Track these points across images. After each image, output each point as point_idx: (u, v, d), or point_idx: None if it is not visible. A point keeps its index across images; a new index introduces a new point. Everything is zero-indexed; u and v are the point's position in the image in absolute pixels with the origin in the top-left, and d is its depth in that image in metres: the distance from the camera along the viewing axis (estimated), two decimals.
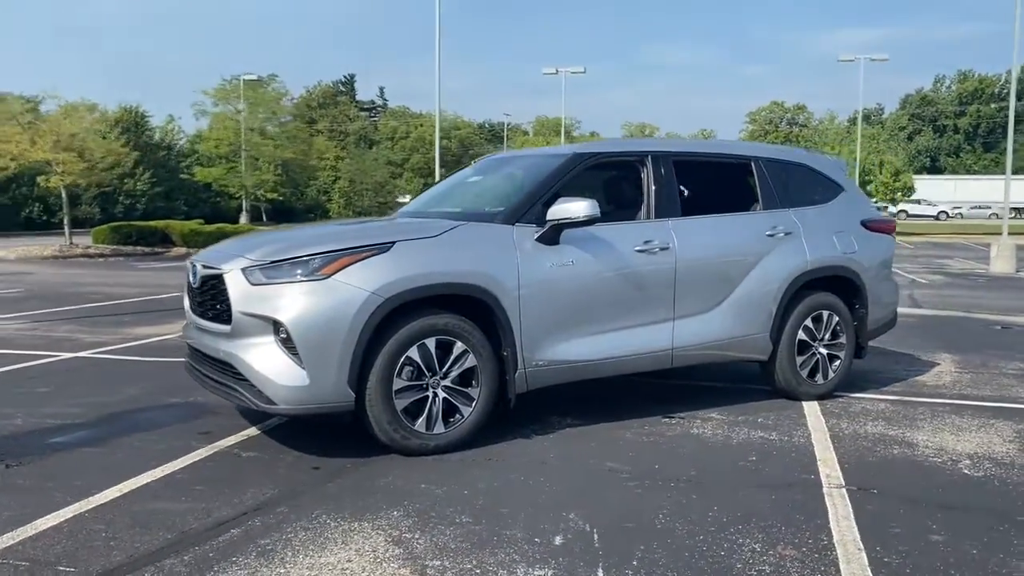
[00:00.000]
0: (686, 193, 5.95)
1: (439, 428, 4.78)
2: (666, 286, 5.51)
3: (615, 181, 6.43)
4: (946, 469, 4.68)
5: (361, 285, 4.52)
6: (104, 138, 32.15)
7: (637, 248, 5.41)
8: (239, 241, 5.36)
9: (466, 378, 4.86)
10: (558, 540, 3.59)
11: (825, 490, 4.29)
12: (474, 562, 3.36)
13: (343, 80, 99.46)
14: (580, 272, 5.18)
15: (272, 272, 4.56)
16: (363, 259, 4.60)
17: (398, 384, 4.64)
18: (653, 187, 5.67)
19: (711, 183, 6.30)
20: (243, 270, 4.62)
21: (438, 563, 3.35)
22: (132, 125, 45.26)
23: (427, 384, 4.75)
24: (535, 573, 3.27)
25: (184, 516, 3.83)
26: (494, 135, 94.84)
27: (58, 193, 27.58)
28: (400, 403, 4.66)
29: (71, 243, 25.82)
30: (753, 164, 6.21)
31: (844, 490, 4.29)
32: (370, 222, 6.02)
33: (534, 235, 5.07)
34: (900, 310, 7.56)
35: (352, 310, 4.47)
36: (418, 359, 4.68)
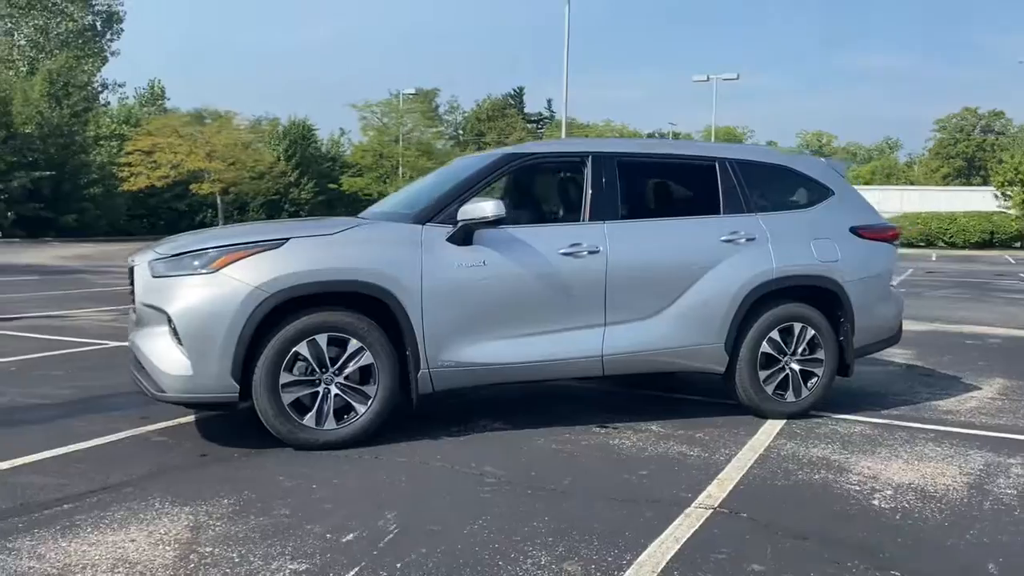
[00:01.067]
0: (636, 195, 5.71)
1: (330, 424, 4.83)
2: (595, 290, 5.31)
3: (553, 183, 6.26)
4: (853, 499, 4.24)
5: (245, 280, 4.65)
6: (274, 150, 34.44)
7: (562, 251, 5.24)
8: (178, 236, 5.64)
9: (363, 376, 4.89)
10: (349, 537, 3.56)
11: (687, 510, 4.00)
12: (243, 552, 3.39)
13: (512, 93, 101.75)
14: (493, 273, 5.09)
15: (171, 265, 4.78)
16: (253, 255, 4.73)
17: (285, 378, 4.73)
18: (590, 189, 5.48)
19: (666, 186, 6.03)
20: (149, 263, 4.87)
21: (209, 550, 3.41)
22: (299, 138, 48.13)
23: (319, 380, 4.81)
24: (290, 567, 3.27)
25: (39, 489, 4.09)
26: None
27: (229, 200, 29.84)
28: (288, 397, 4.75)
29: None
30: (718, 166, 5.86)
31: (709, 511, 3.98)
32: (305, 220, 6.16)
33: (446, 235, 5.04)
34: (987, 330, 6.89)
35: (234, 304, 4.61)
36: (308, 355, 4.76)
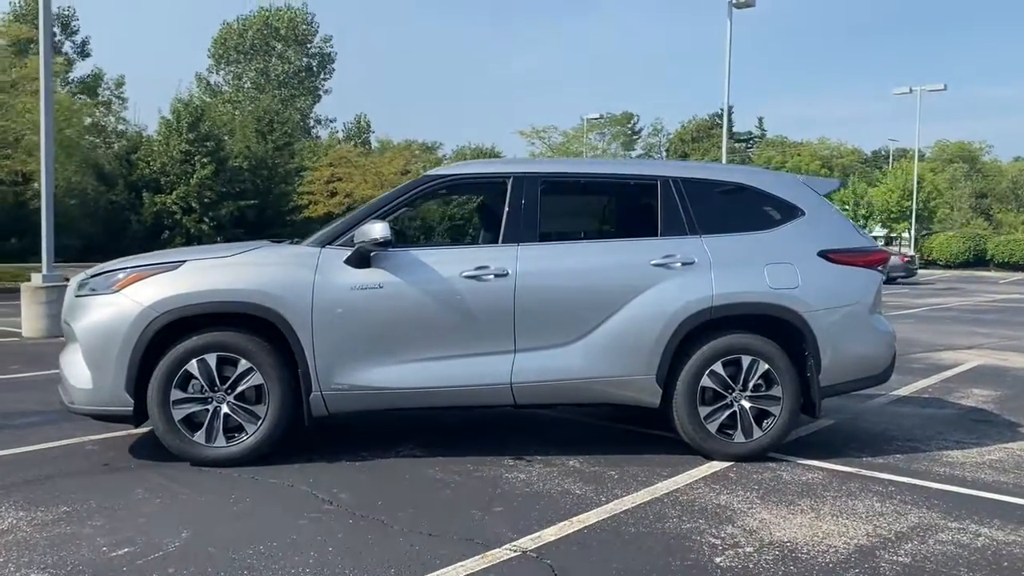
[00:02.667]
0: (561, 218, 5.45)
1: (220, 442, 4.96)
2: (502, 315, 5.09)
3: (480, 205, 6.04)
4: (698, 553, 3.79)
5: (139, 300, 4.89)
6: None
7: (466, 273, 5.08)
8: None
9: (255, 396, 4.99)
10: (118, 552, 3.64)
11: (492, 551, 3.73)
12: (9, 558, 3.56)
13: (719, 113, 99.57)
14: (389, 296, 5.03)
15: (89, 285, 5.12)
16: (151, 276, 4.98)
17: (176, 395, 4.92)
18: (507, 210, 5.28)
19: (597, 207, 5.67)
20: (77, 283, 5.24)
21: None
22: None
23: (210, 398, 4.96)
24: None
25: None
26: (881, 162, 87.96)
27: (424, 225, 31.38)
28: (179, 413, 4.93)
29: None
30: (660, 185, 5.44)
31: (514, 554, 3.71)
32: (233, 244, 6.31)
33: (343, 257, 5.05)
34: None
35: (127, 322, 4.87)
36: (198, 373, 4.92)
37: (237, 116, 45.11)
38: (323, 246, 5.13)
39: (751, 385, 5.25)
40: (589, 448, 5.50)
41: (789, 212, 5.52)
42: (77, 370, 4.98)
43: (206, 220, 36.63)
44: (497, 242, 5.28)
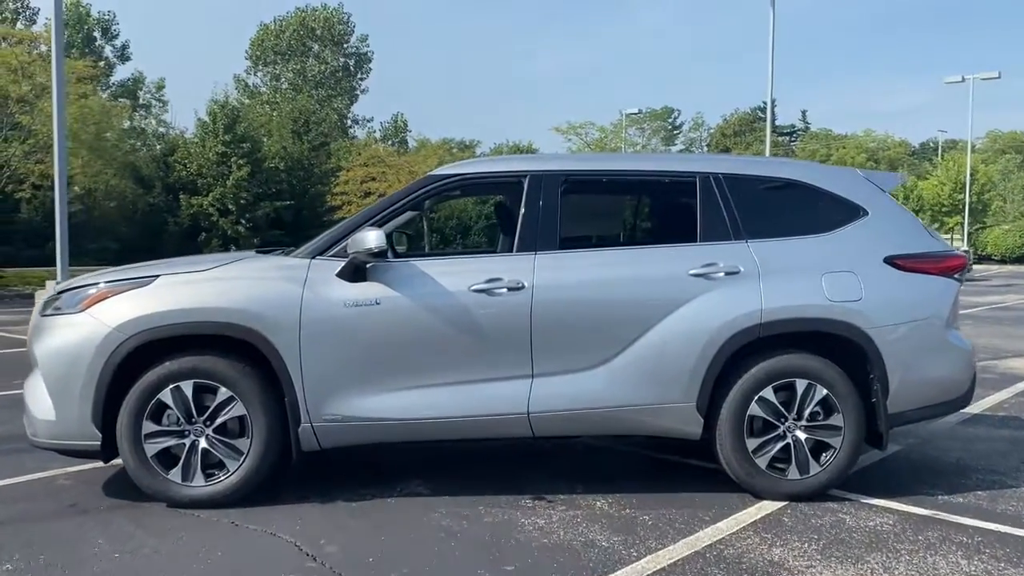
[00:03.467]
0: (585, 222, 4.78)
1: (198, 480, 4.37)
2: (516, 334, 4.44)
3: (496, 207, 5.37)
4: None
5: (106, 320, 4.33)
6: None
7: (475, 287, 4.43)
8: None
9: (238, 429, 4.40)
10: None
11: None
12: None
13: (762, 106, 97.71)
14: (387, 313, 4.40)
15: (54, 304, 4.57)
16: (120, 293, 4.41)
17: (149, 428, 4.35)
18: (523, 215, 4.62)
19: (627, 209, 4.98)
20: (44, 299, 4.70)
21: None
22: None
23: (186, 431, 4.38)
24: None
25: None
26: (930, 154, 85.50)
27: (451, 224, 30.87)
28: (152, 448, 4.35)
29: None
30: (698, 182, 4.74)
31: None
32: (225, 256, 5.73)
33: (336, 270, 4.43)
34: None
35: (92, 346, 4.30)
36: (172, 403, 4.34)
37: (275, 117, 44.97)
38: (313, 257, 4.52)
39: (807, 413, 4.53)
40: (619, 484, 4.82)
41: (849, 212, 4.78)
42: (39, 399, 4.43)
43: (243, 222, 36.48)
44: (511, 250, 4.62)
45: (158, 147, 41.49)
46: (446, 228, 40.77)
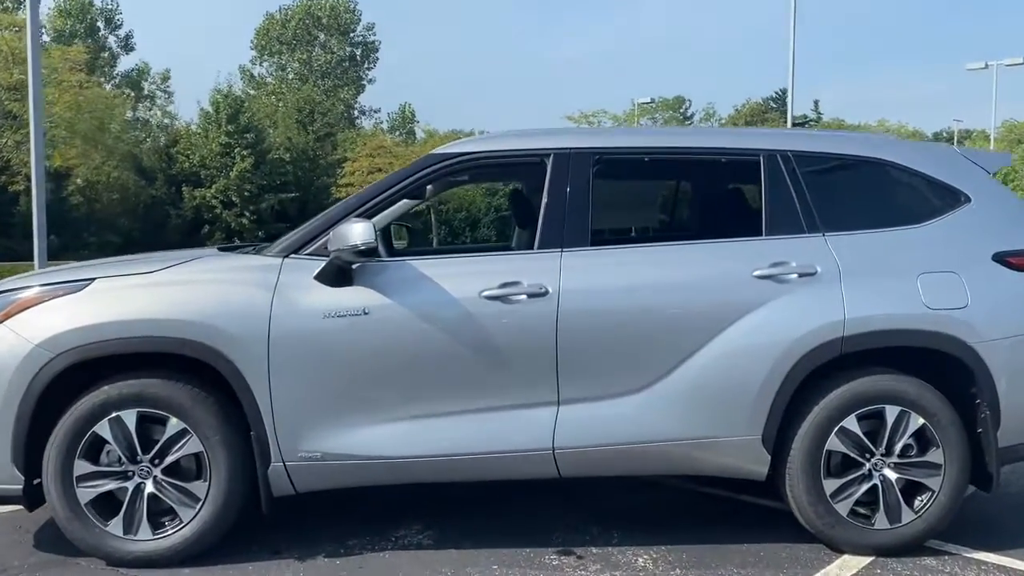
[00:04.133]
0: (622, 211, 3.92)
1: (144, 533, 3.53)
2: (539, 352, 3.57)
3: (511, 195, 4.50)
4: None
5: (28, 335, 3.47)
6: None
7: (487, 293, 3.56)
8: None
9: (193, 469, 3.54)
10: None
11: None
12: None
13: (774, 96, 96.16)
14: (377, 326, 3.53)
15: None
16: (47, 301, 3.55)
17: (82, 468, 3.50)
18: (546, 202, 3.74)
19: (674, 195, 4.13)
20: None
21: None
22: None
23: (130, 472, 3.52)
24: None
25: None
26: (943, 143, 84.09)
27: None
28: (86, 493, 3.51)
29: None
30: (763, 162, 3.84)
31: None
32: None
33: (314, 272, 3.56)
34: None
35: (9, 368, 3.45)
36: (111, 437, 3.49)
37: (280, 108, 44.15)
38: (287, 256, 3.65)
39: (899, 448, 3.65)
40: (663, 532, 3.94)
41: (949, 198, 3.88)
42: None
43: (246, 214, 35.70)
44: (532, 247, 3.74)
45: (161, 139, 40.70)
46: (455, 220, 39.98)
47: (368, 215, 3.68)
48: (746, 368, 3.60)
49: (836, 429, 3.64)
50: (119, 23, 52.01)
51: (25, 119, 21.28)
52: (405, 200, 4.29)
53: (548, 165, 3.78)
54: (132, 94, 47.82)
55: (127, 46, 52.33)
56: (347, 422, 3.54)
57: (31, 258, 27.84)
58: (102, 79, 44.87)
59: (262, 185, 36.49)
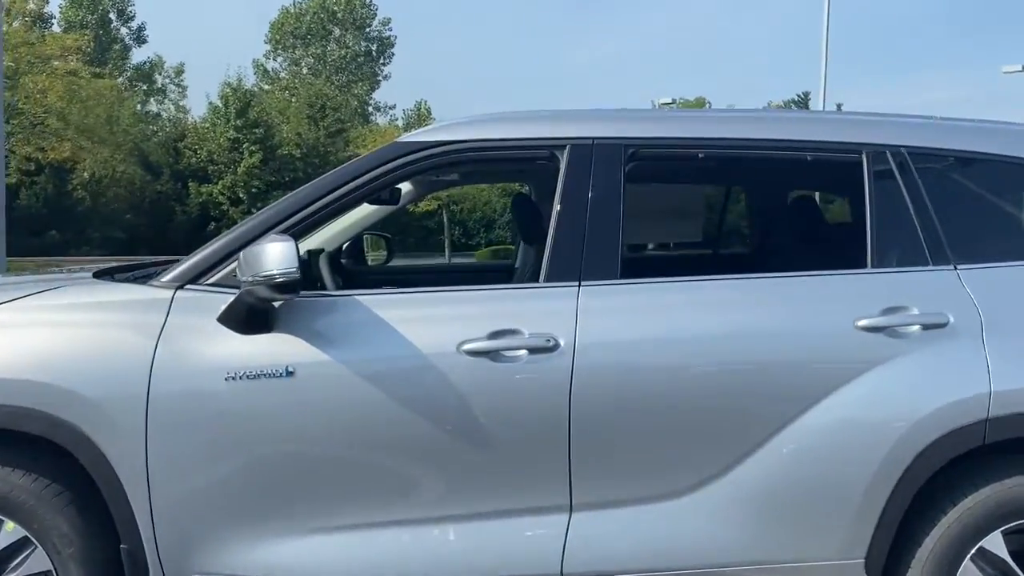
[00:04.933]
0: (663, 227, 2.78)
1: None
2: (542, 435, 2.45)
3: (514, 203, 3.38)
4: None
5: None
6: None
7: (470, 346, 2.43)
8: None
9: None
10: None
11: None
12: None
13: (797, 99, 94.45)
14: (308, 394, 2.43)
15: None
16: None
17: None
18: (558, 211, 2.61)
19: (734, 205, 2.98)
20: None
21: None
22: None
23: None
24: None
25: None
26: None
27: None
28: None
29: None
30: (867, 162, 2.68)
31: None
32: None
33: (217, 312, 2.44)
34: None
35: None
36: None
37: (293, 103, 43.22)
38: (180, 287, 2.53)
39: None
40: None
41: None
42: None
43: (254, 211, 34.78)
44: (537, 277, 2.61)
45: (165, 131, 39.87)
46: (469, 221, 38.88)
47: (300, 229, 2.58)
48: (844, 462, 2.47)
49: (974, 551, 2.50)
50: (132, 15, 51.20)
51: (19, 109, 20.42)
52: (382, 206, 3.22)
53: (562, 160, 2.64)
54: (144, 87, 47.06)
55: (139, 38, 51.51)
56: (260, 532, 2.44)
57: (27, 254, 27.05)
58: (115, 72, 44.13)
59: (270, 181, 35.60)
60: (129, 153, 34.41)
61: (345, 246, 4.15)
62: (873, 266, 2.61)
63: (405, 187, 3.92)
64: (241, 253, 2.39)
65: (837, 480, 2.47)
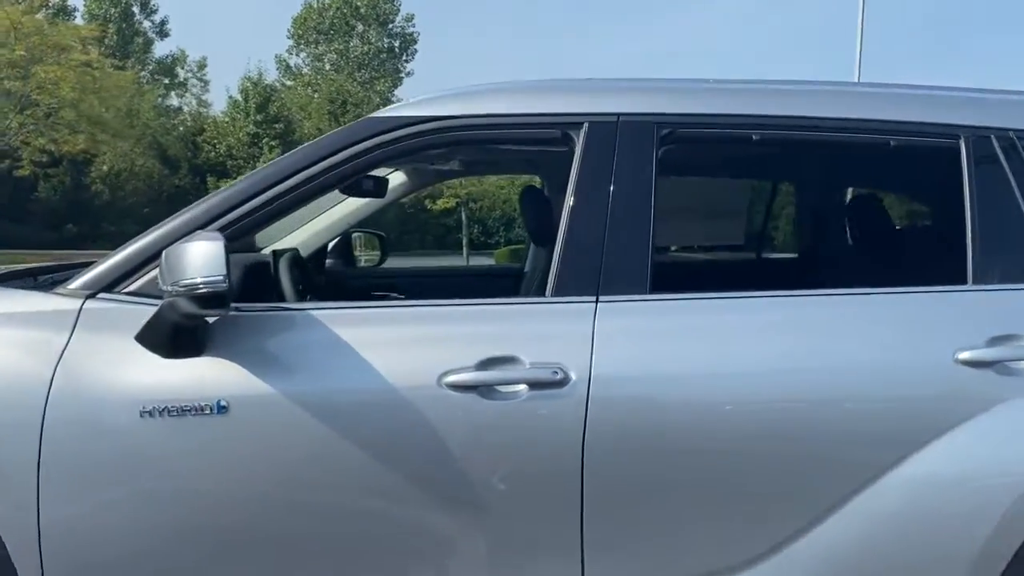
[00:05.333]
0: (702, 228, 2.23)
1: None
2: (548, 495, 1.90)
3: (522, 197, 2.79)
4: None
5: None
6: None
7: (455, 379, 1.89)
8: None
9: None
10: None
11: None
12: None
13: None
14: (245, 442, 1.89)
15: None
16: None
17: None
18: (571, 206, 2.05)
19: (801, 203, 2.40)
20: None
21: None
22: None
23: None
24: None
25: None
26: None
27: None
28: None
29: None
30: (966, 150, 2.10)
31: None
32: None
33: (136, 328, 1.90)
34: None
35: None
36: None
37: (315, 98, 42.90)
38: (92, 296, 1.99)
39: None
40: None
41: None
42: None
43: None
44: (543, 290, 2.05)
45: (185, 125, 39.66)
46: (488, 219, 38.32)
47: (247, 225, 2.04)
48: (943, 531, 1.91)
49: None
50: (155, 8, 51.08)
51: (32, 98, 20.09)
52: (365, 198, 2.71)
53: (578, 142, 2.09)
54: (165, 81, 46.94)
55: (162, 32, 51.40)
56: None
57: (48, 247, 26.93)
58: (137, 65, 43.97)
59: None
60: (148, 147, 34.18)
61: (331, 245, 3.63)
62: (975, 282, 2.04)
63: (398, 178, 3.39)
64: (163, 254, 1.86)
65: (933, 555, 1.91)
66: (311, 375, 1.91)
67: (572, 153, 2.09)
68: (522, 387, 1.89)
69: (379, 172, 2.90)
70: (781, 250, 2.76)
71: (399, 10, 58.11)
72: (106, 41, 28.61)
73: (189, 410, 1.87)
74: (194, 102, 49.89)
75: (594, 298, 1.97)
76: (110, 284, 2.00)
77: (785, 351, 1.95)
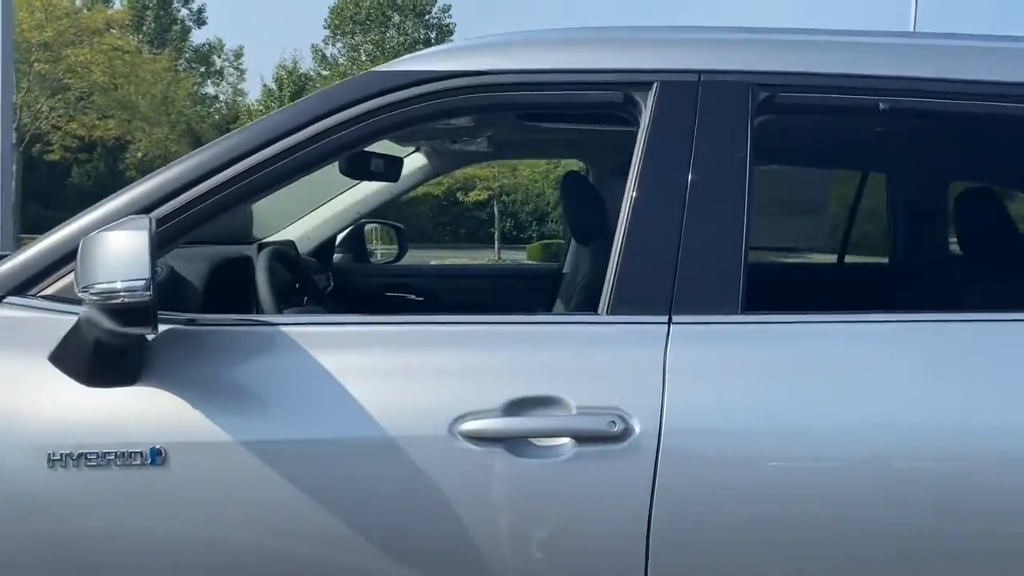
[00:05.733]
0: (818, 223, 1.71)
1: None
2: None
3: (564, 185, 2.24)
4: None
5: None
6: None
7: (472, 426, 1.37)
8: None
9: None
10: None
11: None
12: None
13: None
14: (187, 497, 1.39)
15: None
16: None
17: None
18: (634, 198, 1.52)
19: (934, 192, 1.84)
20: None
21: None
22: None
23: None
24: None
25: None
26: None
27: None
28: None
29: None
30: None
31: None
32: None
33: (50, 348, 1.41)
34: None
35: None
36: None
37: None
38: (1, 298, 1.50)
39: None
40: None
41: None
42: None
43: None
44: (596, 307, 1.52)
45: (220, 114, 39.59)
46: (521, 214, 37.77)
47: (207, 209, 1.55)
48: None
49: None
50: None
51: (64, 82, 19.91)
52: (369, 181, 2.25)
53: (645, 109, 1.56)
54: (201, 69, 46.98)
55: (199, 20, 51.49)
56: None
57: None
58: (173, 53, 44.04)
59: None
60: (183, 134, 34.10)
61: (340, 238, 3.15)
62: None
63: (417, 160, 2.88)
64: (79, 246, 1.37)
65: None
66: (277, 417, 1.41)
67: (637, 124, 1.56)
68: (566, 440, 1.37)
69: (395, 152, 2.42)
70: (924, 257, 2.16)
71: (436, 1, 57.82)
72: (144, 28, 28.43)
73: (113, 458, 1.37)
74: (230, 90, 50.03)
75: (666, 318, 1.44)
76: (21, 285, 1.51)
77: (942, 395, 1.41)
